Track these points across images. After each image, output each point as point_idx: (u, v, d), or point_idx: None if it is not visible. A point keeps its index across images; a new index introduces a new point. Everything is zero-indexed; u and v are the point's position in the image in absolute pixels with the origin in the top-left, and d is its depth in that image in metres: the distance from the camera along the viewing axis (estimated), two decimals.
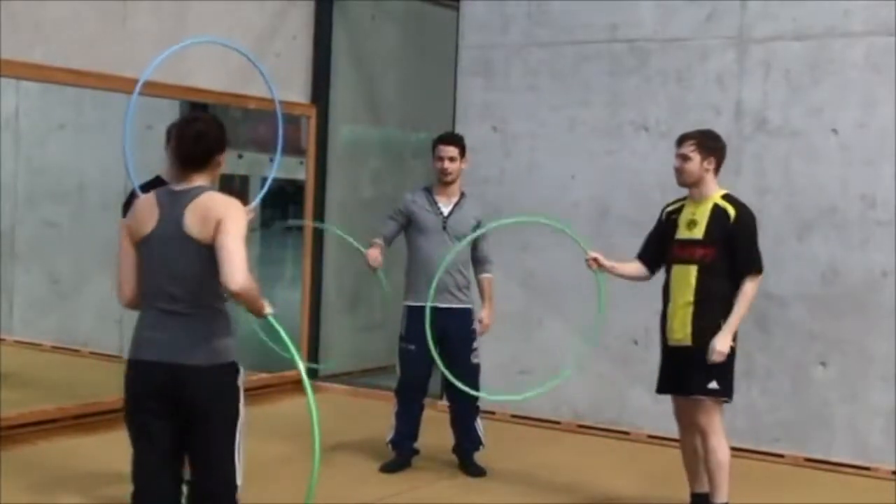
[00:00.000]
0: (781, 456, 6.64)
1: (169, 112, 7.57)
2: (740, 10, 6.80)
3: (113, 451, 5.82)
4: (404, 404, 6.04)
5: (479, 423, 6.13)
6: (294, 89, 8.20)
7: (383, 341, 8.25)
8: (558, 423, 7.34)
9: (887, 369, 6.36)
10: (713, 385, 5.00)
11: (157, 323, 3.57)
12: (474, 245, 6.03)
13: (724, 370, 5.01)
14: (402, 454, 6.05)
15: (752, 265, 5.00)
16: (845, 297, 6.48)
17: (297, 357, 3.50)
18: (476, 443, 6.10)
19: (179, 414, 3.56)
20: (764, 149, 6.73)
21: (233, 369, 3.63)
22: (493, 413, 7.18)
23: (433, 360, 5.70)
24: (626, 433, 6.98)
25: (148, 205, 3.64)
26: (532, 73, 7.51)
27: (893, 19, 6.35)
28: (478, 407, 6.11)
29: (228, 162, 8.66)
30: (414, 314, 5.91)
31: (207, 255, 3.47)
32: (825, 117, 6.55)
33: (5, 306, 9.16)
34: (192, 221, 3.51)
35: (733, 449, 6.69)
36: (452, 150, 6.02)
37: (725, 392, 5.05)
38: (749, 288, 4.97)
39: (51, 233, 9.30)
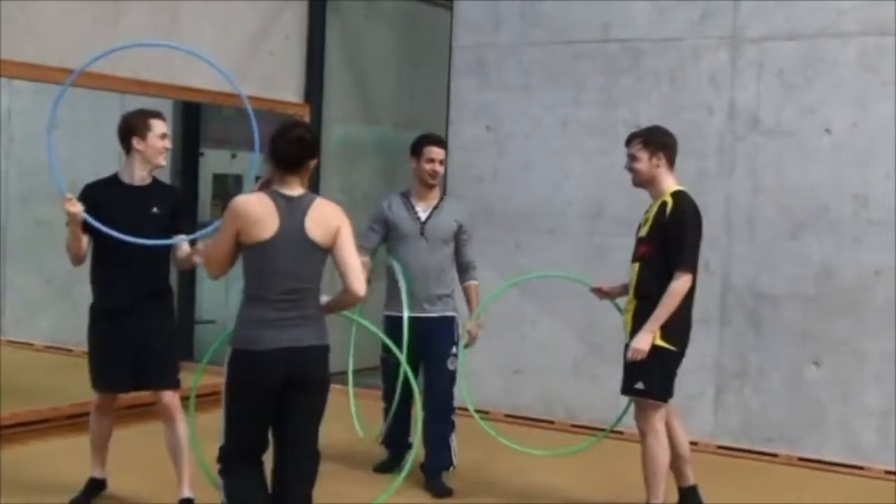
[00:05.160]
0: (775, 455, 6.65)
1: (162, 112, 7.55)
2: (733, 10, 6.81)
3: None
4: (390, 409, 5.85)
5: (454, 441, 5.87)
6: (287, 89, 8.19)
7: (376, 341, 8.22)
8: (552, 422, 7.34)
9: (880, 369, 6.38)
10: (639, 385, 4.95)
11: (277, 316, 3.97)
12: (457, 250, 5.87)
13: (654, 370, 4.91)
14: (394, 452, 6.03)
15: (680, 261, 4.86)
16: (838, 297, 6.50)
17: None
18: (447, 462, 5.84)
19: (289, 392, 4.01)
20: (757, 149, 6.74)
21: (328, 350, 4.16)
22: (486, 412, 7.17)
23: (414, 371, 5.61)
24: (620, 433, 6.97)
25: (266, 209, 3.95)
26: (525, 72, 7.52)
27: (886, 19, 6.37)
28: (453, 422, 5.86)
29: (221, 161, 8.61)
30: (392, 325, 5.76)
31: (322, 258, 4.02)
32: (818, 117, 6.56)
33: None
34: (314, 227, 3.97)
35: (726, 448, 6.77)
36: (442, 153, 5.86)
37: (652, 393, 4.95)
38: (676, 285, 4.84)
39: (43, 232, 9.26)
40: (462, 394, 5.88)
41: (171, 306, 5.14)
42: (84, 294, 5.12)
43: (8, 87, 8.34)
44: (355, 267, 4.01)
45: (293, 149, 4.00)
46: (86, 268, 5.06)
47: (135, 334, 4.91)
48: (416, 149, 5.84)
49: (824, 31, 6.55)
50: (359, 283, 4.01)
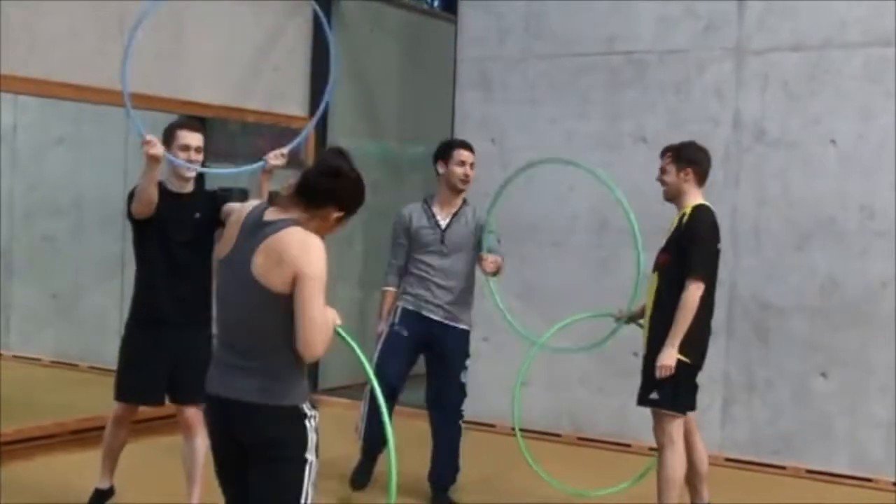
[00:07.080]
0: (782, 468, 6.63)
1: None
2: (738, 22, 6.81)
3: None
4: (374, 404, 5.02)
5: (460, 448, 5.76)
6: (292, 102, 8.20)
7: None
8: (559, 435, 7.32)
9: (888, 380, 6.35)
10: (654, 395, 4.95)
11: (223, 357, 3.30)
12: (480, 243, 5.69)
13: (668, 381, 4.89)
14: (368, 455, 5.78)
15: (691, 269, 4.84)
16: (845, 308, 6.48)
17: (368, 367, 3.48)
18: (454, 475, 5.74)
19: (242, 452, 3.26)
20: (762, 160, 6.73)
21: (297, 413, 3.24)
22: (493, 426, 7.16)
23: (414, 359, 5.59)
24: (628, 446, 6.96)
25: (235, 220, 3.28)
26: (530, 85, 7.52)
27: (890, 30, 6.36)
28: (460, 427, 5.73)
29: (226, 176, 8.57)
30: (410, 314, 5.64)
31: (274, 302, 3.11)
32: (823, 128, 6.56)
33: (3, 321, 9.14)
34: (263, 261, 3.11)
35: (734, 461, 6.74)
36: (472, 157, 5.69)
37: (666, 403, 4.94)
38: (687, 295, 4.81)
39: (48, 247, 9.28)
40: (514, 412, 5.89)
41: (209, 318, 5.11)
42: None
43: (13, 102, 8.36)
44: (311, 324, 3.09)
45: (322, 179, 3.20)
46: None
47: (173, 346, 4.93)
48: (446, 153, 5.69)
49: (829, 42, 6.54)
50: (305, 344, 3.09)
